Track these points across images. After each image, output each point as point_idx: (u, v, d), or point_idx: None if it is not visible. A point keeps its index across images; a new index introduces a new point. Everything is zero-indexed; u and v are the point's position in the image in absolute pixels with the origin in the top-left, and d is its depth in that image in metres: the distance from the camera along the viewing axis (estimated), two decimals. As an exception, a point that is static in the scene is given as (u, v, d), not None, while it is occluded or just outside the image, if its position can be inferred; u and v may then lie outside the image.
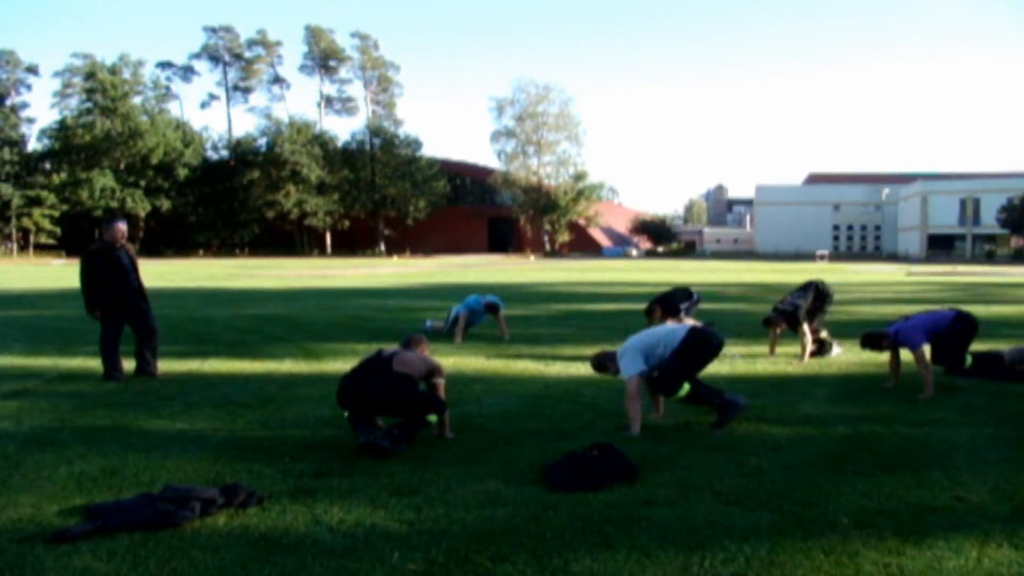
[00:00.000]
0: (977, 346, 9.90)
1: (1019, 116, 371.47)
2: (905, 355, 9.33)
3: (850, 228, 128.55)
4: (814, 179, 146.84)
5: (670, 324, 7.67)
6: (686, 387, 7.26)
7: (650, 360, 7.37)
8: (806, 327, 11.55)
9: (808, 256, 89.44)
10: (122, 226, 10.47)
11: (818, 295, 12.03)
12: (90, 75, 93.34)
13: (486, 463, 6.17)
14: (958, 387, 9.14)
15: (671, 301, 12.68)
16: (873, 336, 9.50)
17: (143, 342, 10.24)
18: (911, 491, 5.48)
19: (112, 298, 10.03)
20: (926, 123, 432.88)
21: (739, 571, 4.16)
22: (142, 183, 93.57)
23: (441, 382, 7.08)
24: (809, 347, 11.53)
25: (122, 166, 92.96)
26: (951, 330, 9.38)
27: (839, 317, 15.38)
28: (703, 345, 7.55)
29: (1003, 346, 10.81)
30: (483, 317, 14.37)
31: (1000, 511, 5.08)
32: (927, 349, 9.24)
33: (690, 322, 7.60)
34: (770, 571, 4.17)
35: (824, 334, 12.02)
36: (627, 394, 7.29)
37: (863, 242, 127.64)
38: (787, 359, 11.38)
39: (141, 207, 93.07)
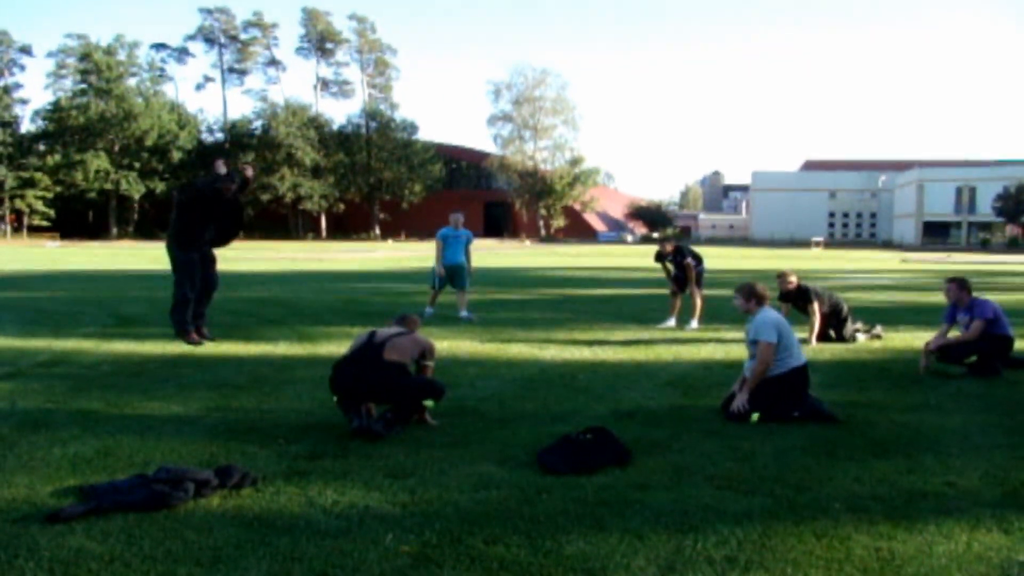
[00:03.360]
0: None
1: (1016, 104, 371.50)
2: (904, 341, 9.33)
3: (846, 215, 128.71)
4: (810, 166, 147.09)
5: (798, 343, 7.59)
6: (755, 416, 7.08)
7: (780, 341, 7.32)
8: (816, 306, 11.63)
9: (803, 243, 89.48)
10: (232, 185, 10.92)
11: (833, 307, 12.05)
12: (85, 56, 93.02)
13: (480, 446, 6.18)
14: (951, 374, 9.17)
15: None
16: (964, 281, 9.75)
17: (203, 297, 10.88)
18: (903, 476, 5.51)
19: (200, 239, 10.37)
20: (923, 110, 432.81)
21: (731, 554, 4.18)
22: (136, 165, 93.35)
23: (431, 364, 7.06)
24: (817, 328, 11.64)
25: (116, 148, 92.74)
26: (995, 344, 9.41)
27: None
28: (797, 387, 7.40)
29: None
30: (458, 244, 14.80)
31: (990, 496, 5.10)
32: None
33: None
34: (762, 555, 4.18)
35: (859, 325, 12.14)
36: (761, 358, 7.25)
37: (858, 229, 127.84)
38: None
39: (135, 189, 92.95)
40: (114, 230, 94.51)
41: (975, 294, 9.83)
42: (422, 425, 6.73)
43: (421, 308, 14.36)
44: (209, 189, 10.61)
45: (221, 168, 10.88)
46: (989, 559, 4.15)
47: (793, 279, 12.10)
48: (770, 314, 7.57)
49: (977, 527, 4.55)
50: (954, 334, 9.72)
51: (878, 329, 12.31)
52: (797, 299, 11.98)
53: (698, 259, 13.89)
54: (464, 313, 14.39)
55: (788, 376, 7.27)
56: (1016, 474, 5.55)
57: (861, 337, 11.98)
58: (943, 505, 4.93)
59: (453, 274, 14.67)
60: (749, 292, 7.78)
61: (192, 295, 10.55)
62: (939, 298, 9.80)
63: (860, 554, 4.19)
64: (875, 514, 4.74)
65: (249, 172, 11.21)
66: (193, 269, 10.57)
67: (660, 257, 14.22)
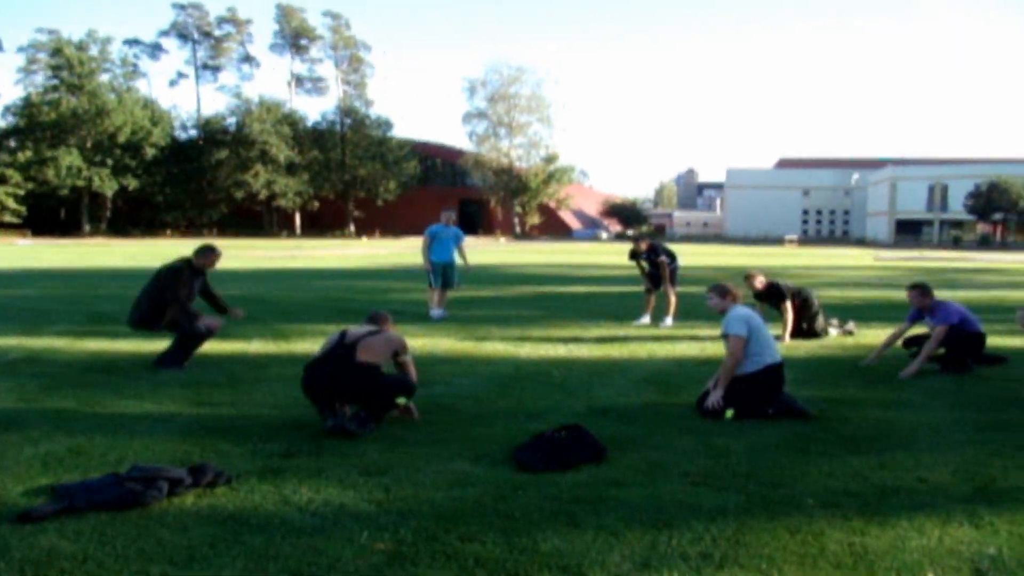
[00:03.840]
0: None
1: (988, 102, 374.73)
2: (877, 338, 9.39)
3: (819, 213, 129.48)
4: (784, 164, 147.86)
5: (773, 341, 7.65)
6: (730, 412, 7.10)
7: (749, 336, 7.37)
8: (789, 304, 11.71)
9: (777, 240, 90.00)
10: (219, 254, 10.17)
11: (803, 300, 12.14)
12: (56, 51, 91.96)
13: (455, 443, 6.18)
14: (924, 370, 9.23)
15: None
16: (925, 287, 9.72)
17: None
18: (876, 472, 5.55)
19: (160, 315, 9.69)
20: (896, 108, 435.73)
21: (706, 550, 4.20)
22: (109, 162, 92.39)
23: (407, 359, 7.03)
24: (790, 325, 11.73)
25: (89, 144, 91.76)
26: (964, 342, 9.46)
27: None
28: (773, 385, 7.44)
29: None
30: (448, 241, 14.62)
31: (962, 491, 5.15)
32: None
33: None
34: (736, 550, 4.20)
35: (834, 320, 12.22)
36: (731, 352, 7.33)
37: (832, 227, 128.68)
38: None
39: (108, 186, 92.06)
40: (86, 227, 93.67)
41: (949, 295, 9.92)
42: (399, 422, 6.72)
43: (395, 305, 14.33)
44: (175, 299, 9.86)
45: (238, 314, 10.37)
46: (960, 553, 4.19)
47: (760, 279, 12.18)
48: (741, 310, 7.64)
49: (949, 522, 4.59)
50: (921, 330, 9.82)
51: (850, 325, 12.41)
52: (770, 297, 12.05)
53: (672, 257, 13.94)
54: (437, 311, 14.31)
55: (763, 374, 7.31)
56: (987, 469, 5.61)
57: (833, 332, 12.10)
58: (915, 500, 4.97)
59: (444, 273, 14.54)
60: (723, 290, 7.89)
61: (204, 330, 9.86)
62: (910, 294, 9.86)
63: (833, 549, 4.22)
64: (848, 510, 4.78)
65: (238, 315, 10.42)
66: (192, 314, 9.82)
67: (634, 255, 14.27)
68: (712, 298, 7.95)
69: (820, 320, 12.02)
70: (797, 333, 11.81)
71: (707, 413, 7.09)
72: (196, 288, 9.80)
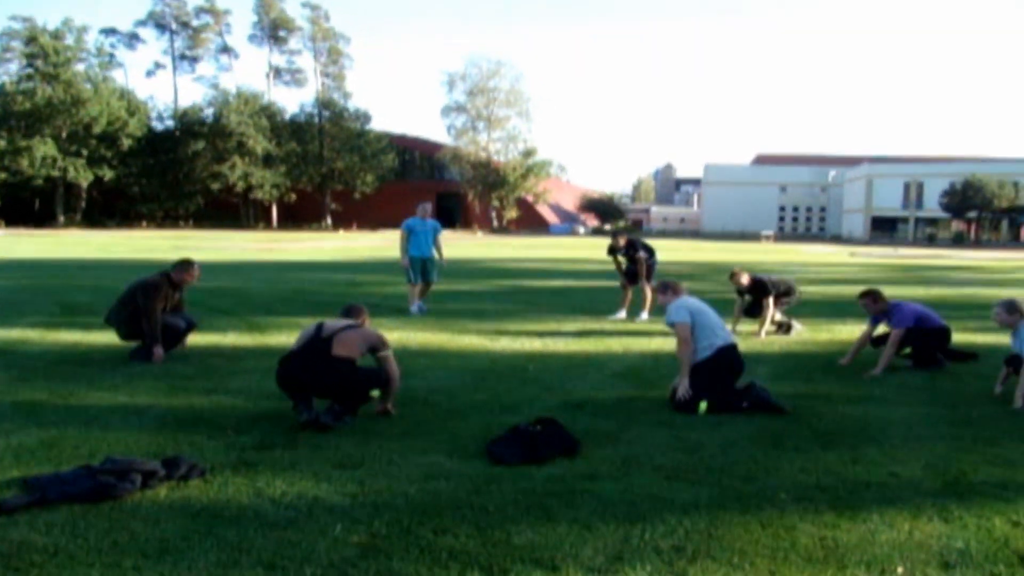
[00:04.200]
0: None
1: (963, 101, 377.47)
2: (851, 334, 9.44)
3: (796, 209, 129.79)
4: (762, 160, 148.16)
5: (722, 326, 7.78)
6: (703, 405, 7.16)
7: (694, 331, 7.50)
8: (771, 300, 11.79)
9: (754, 236, 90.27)
10: (198, 270, 10.01)
11: (786, 289, 12.26)
12: (31, 40, 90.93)
13: (430, 437, 6.19)
14: (896, 367, 9.30)
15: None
16: (876, 293, 9.76)
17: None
18: (848, 467, 5.59)
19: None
20: (873, 107, 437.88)
21: (679, 544, 4.22)
22: (84, 152, 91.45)
23: (387, 354, 6.96)
24: (769, 321, 11.81)
25: (64, 134, 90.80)
26: (928, 337, 9.51)
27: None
28: (732, 365, 7.62)
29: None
30: (426, 236, 14.44)
31: (932, 486, 5.20)
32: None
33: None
34: (709, 544, 4.23)
35: (779, 316, 12.27)
36: (681, 339, 7.47)
37: (808, 223, 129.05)
38: (740, 337, 11.50)
39: (83, 177, 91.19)
40: (61, 218, 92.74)
41: (923, 293, 9.97)
42: (374, 416, 6.72)
43: (372, 299, 14.30)
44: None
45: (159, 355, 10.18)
46: (929, 547, 4.23)
47: (744, 277, 12.24)
48: (679, 300, 7.83)
49: (919, 516, 4.64)
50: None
51: (798, 326, 12.31)
52: (754, 292, 12.12)
53: (650, 252, 14.01)
54: (416, 306, 14.23)
55: (719, 356, 7.48)
56: (957, 464, 5.66)
57: (797, 327, 12.13)
58: (886, 495, 5.02)
59: (423, 268, 14.41)
60: (664, 286, 8.24)
61: (183, 327, 9.77)
62: (885, 291, 9.92)
63: (805, 543, 4.25)
64: (820, 504, 4.82)
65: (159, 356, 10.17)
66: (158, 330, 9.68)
67: (613, 251, 14.32)
68: (660, 297, 8.24)
69: (782, 307, 12.11)
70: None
71: (680, 407, 7.13)
72: (171, 303, 9.69)
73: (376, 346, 6.92)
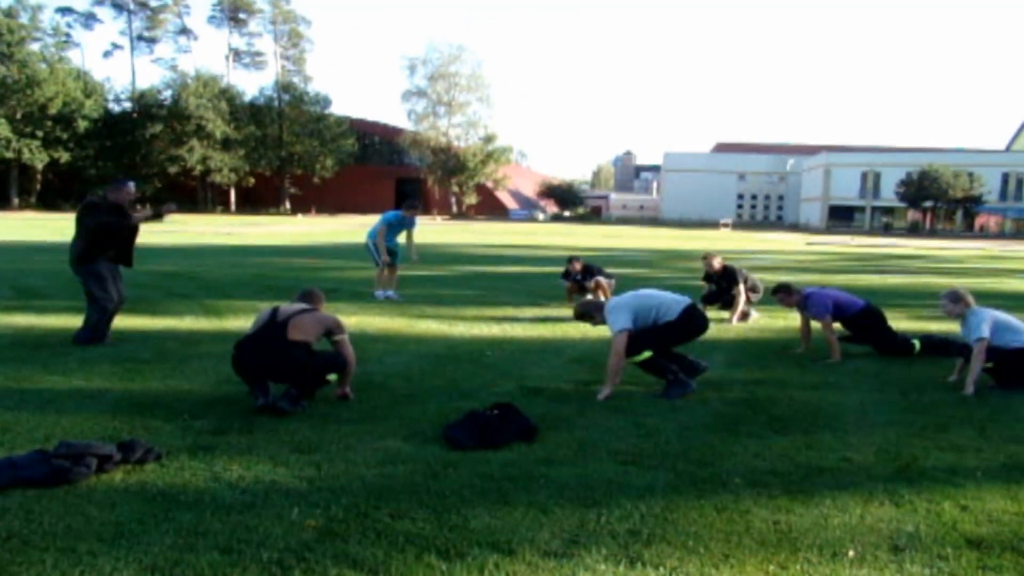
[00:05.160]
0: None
1: (920, 91, 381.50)
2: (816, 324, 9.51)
3: (754, 197, 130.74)
4: (721, 148, 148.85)
5: (670, 294, 7.70)
6: (647, 353, 7.26)
7: (637, 323, 7.36)
8: (742, 287, 11.90)
9: (712, 224, 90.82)
10: (131, 188, 9.88)
11: (752, 285, 12.33)
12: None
13: (387, 421, 6.18)
14: (850, 353, 9.41)
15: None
16: (786, 287, 9.83)
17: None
18: (801, 452, 5.66)
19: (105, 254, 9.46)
20: (832, 96, 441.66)
21: (634, 528, 4.25)
22: (39, 134, 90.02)
23: (343, 337, 6.93)
24: (740, 308, 11.93)
25: (18, 115, 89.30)
26: (856, 318, 9.58)
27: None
28: (693, 323, 7.61)
29: (899, 317, 11.12)
30: (399, 231, 14.43)
31: (884, 471, 5.27)
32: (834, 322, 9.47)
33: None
34: (664, 528, 4.26)
35: (748, 308, 12.40)
36: (613, 350, 7.28)
37: (766, 211, 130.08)
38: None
39: (38, 159, 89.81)
40: (15, 200, 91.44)
41: (879, 281, 10.06)
42: (331, 400, 6.70)
43: (329, 283, 14.23)
44: (127, 226, 9.74)
45: (172, 208, 10.23)
46: (880, 530, 4.29)
47: (717, 261, 12.33)
48: (616, 299, 7.79)
49: (870, 500, 4.70)
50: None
51: (754, 314, 12.41)
52: (722, 279, 12.18)
53: (608, 275, 13.66)
54: (383, 293, 14.14)
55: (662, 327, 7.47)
56: (908, 450, 5.74)
57: (754, 314, 12.25)
58: (839, 480, 5.08)
59: (392, 252, 14.35)
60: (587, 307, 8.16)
61: (111, 305, 9.64)
62: (840, 279, 10.03)
63: (759, 527, 4.30)
64: (774, 488, 4.87)
65: (173, 209, 10.29)
66: (105, 278, 9.63)
67: (567, 276, 13.80)
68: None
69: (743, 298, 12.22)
70: (746, 316, 12.07)
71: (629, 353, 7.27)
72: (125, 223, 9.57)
73: (332, 330, 6.89)
